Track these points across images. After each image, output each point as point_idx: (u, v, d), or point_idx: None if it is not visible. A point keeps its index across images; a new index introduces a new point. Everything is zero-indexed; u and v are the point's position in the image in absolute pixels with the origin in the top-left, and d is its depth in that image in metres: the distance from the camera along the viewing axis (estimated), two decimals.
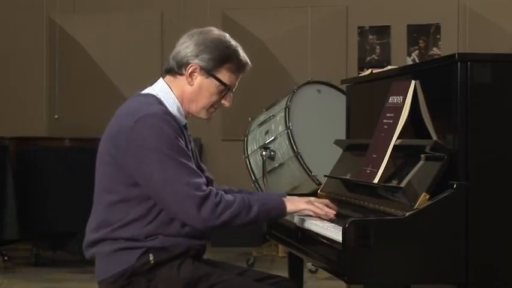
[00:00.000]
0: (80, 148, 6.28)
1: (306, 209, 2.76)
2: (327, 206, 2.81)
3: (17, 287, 5.73)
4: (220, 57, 2.69)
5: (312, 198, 2.84)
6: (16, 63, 8.26)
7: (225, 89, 2.72)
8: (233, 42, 2.73)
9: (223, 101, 2.75)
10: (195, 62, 2.68)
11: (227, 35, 2.75)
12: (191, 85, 2.70)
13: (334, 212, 2.78)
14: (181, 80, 2.71)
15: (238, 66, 2.72)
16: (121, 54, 7.96)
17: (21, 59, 8.24)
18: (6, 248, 6.55)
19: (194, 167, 2.62)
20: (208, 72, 2.69)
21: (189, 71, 2.69)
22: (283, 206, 2.71)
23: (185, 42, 2.72)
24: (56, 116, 8.17)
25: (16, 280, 5.93)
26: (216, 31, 2.74)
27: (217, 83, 2.70)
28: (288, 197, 2.82)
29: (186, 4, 7.90)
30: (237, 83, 2.76)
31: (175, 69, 2.71)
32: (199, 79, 2.70)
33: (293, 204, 2.74)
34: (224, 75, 2.70)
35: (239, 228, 2.73)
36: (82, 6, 8.18)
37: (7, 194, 6.49)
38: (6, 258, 6.39)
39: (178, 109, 2.71)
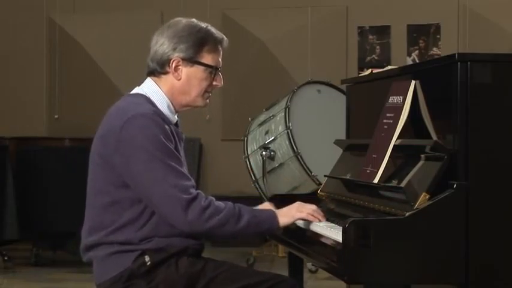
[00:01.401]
0: (80, 148, 6.26)
1: (299, 218, 2.74)
2: (315, 210, 2.77)
3: (17, 287, 5.73)
4: (197, 42, 2.69)
5: (300, 205, 2.78)
6: (16, 63, 8.26)
7: (212, 70, 2.72)
8: (203, 24, 2.74)
9: (214, 83, 2.75)
10: (176, 56, 2.69)
11: (194, 19, 2.75)
12: (179, 79, 2.70)
13: (322, 217, 2.76)
14: (168, 78, 2.71)
15: (215, 44, 2.73)
16: (121, 54, 7.95)
17: (21, 59, 8.24)
18: (6, 248, 6.55)
19: (183, 169, 2.60)
20: (191, 60, 2.69)
21: (173, 66, 2.69)
22: (275, 220, 2.67)
23: (158, 40, 2.72)
24: (56, 116, 8.17)
25: (16, 280, 5.93)
26: (183, 20, 2.75)
27: (203, 67, 2.70)
28: (276, 210, 2.75)
29: (186, 4, 7.90)
30: (221, 61, 2.76)
31: (158, 69, 2.72)
32: (185, 70, 2.70)
33: (286, 217, 2.70)
34: (207, 58, 2.71)
35: (228, 239, 2.67)
36: (82, 6, 8.18)
37: (7, 194, 6.49)
38: (6, 258, 6.39)
39: (168, 107, 2.71)
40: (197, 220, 2.53)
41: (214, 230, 2.56)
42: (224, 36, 2.76)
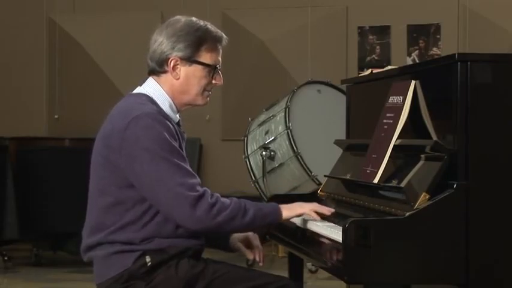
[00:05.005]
0: (80, 148, 6.27)
1: (301, 214, 2.75)
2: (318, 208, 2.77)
3: (17, 287, 5.73)
4: (195, 41, 2.68)
5: (301, 203, 2.81)
6: (16, 63, 8.26)
7: (211, 69, 2.72)
8: (201, 23, 2.73)
9: (214, 81, 2.74)
10: (174, 55, 2.68)
11: (193, 18, 2.75)
12: (178, 78, 2.70)
13: (330, 211, 2.76)
14: (167, 77, 2.71)
15: (214, 42, 2.72)
16: (121, 54, 7.95)
17: (21, 59, 8.24)
18: (6, 248, 6.55)
19: (188, 167, 2.60)
20: (189, 59, 2.68)
21: (171, 65, 2.68)
22: (279, 212, 2.69)
23: (157, 39, 2.71)
24: (56, 116, 8.17)
25: (16, 280, 5.93)
26: (182, 19, 2.74)
27: (201, 67, 2.70)
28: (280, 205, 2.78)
29: (186, 4, 7.90)
30: (220, 59, 2.75)
31: (157, 68, 2.71)
32: (183, 70, 2.69)
33: (289, 210, 2.72)
34: (205, 57, 2.70)
35: (236, 232, 2.71)
36: (82, 6, 8.18)
37: (7, 194, 6.50)
38: (6, 258, 6.39)
39: (170, 106, 2.71)
40: (206, 216, 2.53)
41: (223, 225, 2.57)
42: (223, 34, 2.75)
